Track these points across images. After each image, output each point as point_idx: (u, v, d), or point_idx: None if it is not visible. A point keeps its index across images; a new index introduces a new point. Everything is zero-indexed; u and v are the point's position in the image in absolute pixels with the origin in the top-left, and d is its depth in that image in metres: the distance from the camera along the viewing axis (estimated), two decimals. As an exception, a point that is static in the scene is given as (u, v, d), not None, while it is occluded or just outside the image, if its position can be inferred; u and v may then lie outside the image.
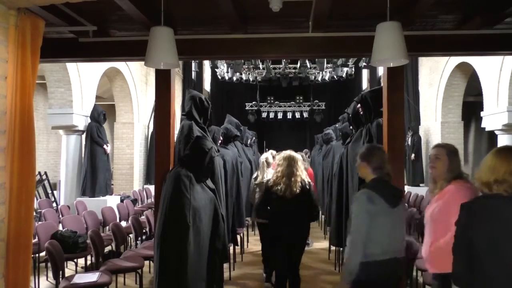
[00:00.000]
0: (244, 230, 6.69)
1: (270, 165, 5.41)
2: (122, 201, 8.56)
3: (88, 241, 5.08)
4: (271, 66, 14.37)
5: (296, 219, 4.00)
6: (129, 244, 6.50)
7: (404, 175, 4.03)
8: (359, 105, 4.33)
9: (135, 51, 3.76)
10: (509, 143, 7.45)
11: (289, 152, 4.04)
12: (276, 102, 17.57)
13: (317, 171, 8.99)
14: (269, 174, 4.91)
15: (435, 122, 10.85)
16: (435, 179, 2.72)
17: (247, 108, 17.59)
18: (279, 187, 3.98)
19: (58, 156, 11.72)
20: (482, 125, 8.34)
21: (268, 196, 4.07)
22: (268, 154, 5.70)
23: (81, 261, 5.51)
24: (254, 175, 5.66)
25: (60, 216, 6.93)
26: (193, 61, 13.37)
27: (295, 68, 14.61)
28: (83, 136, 8.58)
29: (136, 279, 5.00)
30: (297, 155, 4.09)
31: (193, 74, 14.59)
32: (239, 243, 6.16)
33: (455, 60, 9.59)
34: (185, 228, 3.14)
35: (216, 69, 14.48)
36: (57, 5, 3.05)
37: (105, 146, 8.58)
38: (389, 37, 2.71)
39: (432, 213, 2.64)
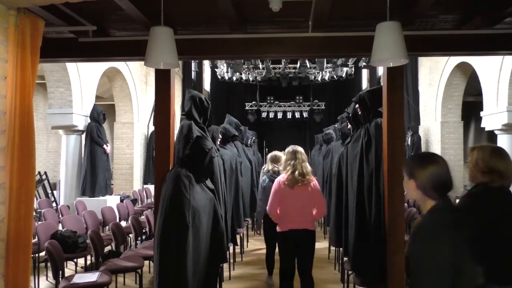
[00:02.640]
0: (244, 230, 6.69)
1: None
2: (122, 201, 8.57)
3: (88, 241, 5.08)
4: (271, 66, 14.36)
5: None
6: (129, 244, 6.50)
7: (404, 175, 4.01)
8: (357, 105, 4.33)
9: (135, 51, 3.76)
10: (509, 143, 7.46)
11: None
12: (276, 102, 17.54)
13: (317, 171, 8.98)
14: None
15: (435, 122, 10.85)
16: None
17: (247, 108, 17.57)
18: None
19: (58, 156, 11.73)
20: (482, 125, 8.35)
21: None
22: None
23: (81, 261, 5.52)
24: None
25: (60, 216, 6.94)
26: (193, 61, 13.37)
27: (295, 68, 14.60)
28: (83, 136, 8.58)
29: (136, 279, 5.01)
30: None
31: (193, 74, 14.59)
32: (239, 243, 6.16)
33: (455, 60, 9.59)
34: (185, 228, 3.14)
35: (216, 69, 14.47)
36: (57, 5, 3.04)
37: (105, 146, 8.58)
38: (389, 37, 2.71)
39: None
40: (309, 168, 4.22)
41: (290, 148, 4.22)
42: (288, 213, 4.09)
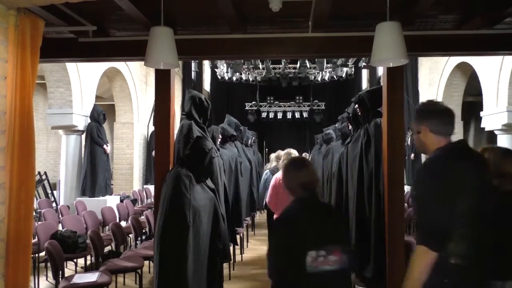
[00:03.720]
0: (244, 230, 6.70)
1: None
2: (121, 201, 8.56)
3: (88, 241, 5.08)
4: (271, 66, 14.37)
5: None
6: (129, 244, 6.50)
7: (404, 175, 4.03)
8: (357, 105, 4.34)
9: (135, 51, 3.75)
10: (509, 143, 7.46)
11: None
12: (276, 102, 17.56)
13: (317, 171, 8.97)
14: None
15: (435, 122, 10.84)
16: None
17: (247, 108, 17.59)
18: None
19: (58, 156, 11.72)
20: (482, 125, 8.34)
21: None
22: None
23: (81, 261, 5.51)
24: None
25: (60, 216, 6.93)
26: (193, 61, 13.37)
27: (295, 68, 14.60)
28: (83, 136, 8.59)
29: (136, 279, 5.00)
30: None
31: (193, 74, 14.58)
32: (238, 243, 6.17)
33: (455, 60, 9.59)
34: (185, 228, 3.14)
35: (216, 69, 14.47)
36: (57, 5, 3.04)
37: (105, 146, 8.58)
38: (389, 37, 2.71)
39: None
40: None
41: (286, 151, 5.09)
42: (283, 204, 4.49)
